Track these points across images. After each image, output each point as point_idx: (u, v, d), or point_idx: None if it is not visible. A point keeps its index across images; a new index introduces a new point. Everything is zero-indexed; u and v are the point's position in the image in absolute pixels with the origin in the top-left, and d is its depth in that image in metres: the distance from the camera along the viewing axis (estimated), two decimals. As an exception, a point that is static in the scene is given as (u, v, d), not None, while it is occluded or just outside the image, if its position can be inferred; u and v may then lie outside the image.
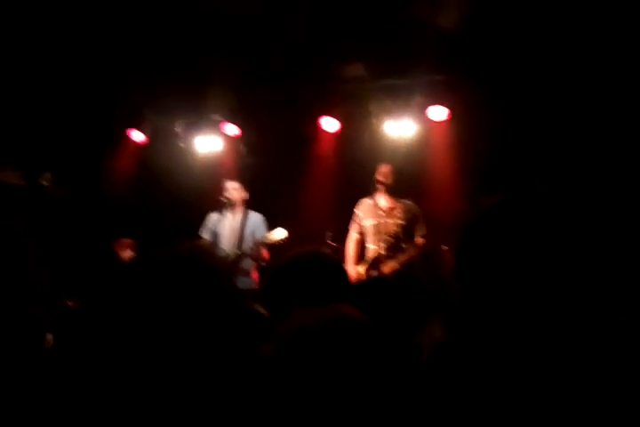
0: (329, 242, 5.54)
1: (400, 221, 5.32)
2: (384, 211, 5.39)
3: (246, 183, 5.85)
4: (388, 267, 5.20)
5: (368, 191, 5.56)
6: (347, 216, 5.89)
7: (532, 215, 1.17)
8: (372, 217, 5.39)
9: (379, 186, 5.43)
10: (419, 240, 5.30)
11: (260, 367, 0.99)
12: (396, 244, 5.26)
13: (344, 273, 2.05)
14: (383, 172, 5.44)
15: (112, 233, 6.61)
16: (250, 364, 1.02)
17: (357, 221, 5.53)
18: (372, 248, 5.36)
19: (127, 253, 6.26)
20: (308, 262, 1.97)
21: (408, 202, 5.41)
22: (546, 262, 1.12)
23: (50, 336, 2.95)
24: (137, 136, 7.02)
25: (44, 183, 6.84)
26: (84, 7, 5.25)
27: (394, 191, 5.41)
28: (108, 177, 7.09)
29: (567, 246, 1.13)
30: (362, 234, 5.52)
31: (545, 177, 4.94)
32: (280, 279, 1.95)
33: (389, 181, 5.40)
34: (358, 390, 0.95)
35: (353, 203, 5.82)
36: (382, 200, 5.46)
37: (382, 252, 5.24)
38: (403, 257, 5.22)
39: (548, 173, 5.12)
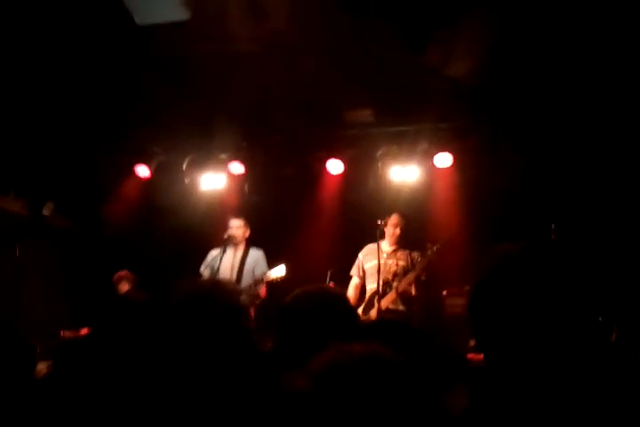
0: (328, 282, 5.53)
1: (401, 263, 5.36)
2: (386, 253, 5.44)
3: (249, 221, 5.89)
4: (385, 301, 5.19)
5: (369, 233, 5.58)
6: (347, 257, 5.89)
7: (545, 267, 1.19)
8: (374, 259, 5.40)
9: (386, 235, 5.48)
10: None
11: (295, 401, 0.95)
12: (393, 283, 5.29)
13: (353, 310, 2.05)
14: (393, 223, 5.50)
15: (111, 266, 6.59)
16: (278, 399, 0.98)
17: (358, 264, 5.57)
18: (370, 287, 5.38)
19: (125, 287, 6.23)
20: (318, 300, 1.95)
21: (413, 250, 5.46)
22: (561, 316, 1.14)
23: (42, 366, 2.90)
24: (142, 171, 7.07)
25: (46, 213, 6.84)
26: (98, 38, 5.36)
27: (402, 241, 5.47)
28: (110, 210, 7.11)
29: (580, 298, 1.15)
30: (362, 278, 5.55)
31: (552, 223, 4.97)
32: (289, 317, 1.93)
33: (398, 232, 5.46)
34: None
35: (354, 244, 5.84)
36: (386, 245, 5.51)
37: (380, 289, 5.23)
38: (401, 285, 5.23)
39: (552, 218, 5.16)
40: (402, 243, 5.51)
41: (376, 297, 5.18)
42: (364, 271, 5.56)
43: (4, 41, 5.12)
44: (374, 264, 5.34)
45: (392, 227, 5.49)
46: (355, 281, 5.61)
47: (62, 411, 2.14)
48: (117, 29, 5.10)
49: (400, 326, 2.35)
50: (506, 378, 1.17)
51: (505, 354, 1.18)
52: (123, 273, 6.35)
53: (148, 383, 0.98)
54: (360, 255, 5.62)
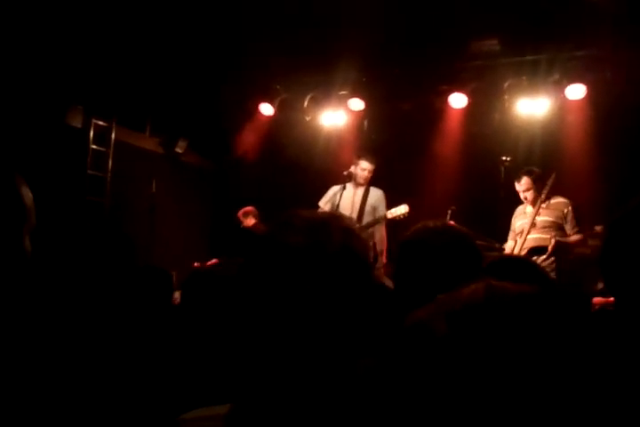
0: (449, 220, 5.47)
1: (547, 219, 5.11)
2: (529, 214, 5.20)
3: (372, 160, 5.80)
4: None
5: (494, 170, 5.41)
6: (470, 195, 5.77)
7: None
8: (521, 220, 5.24)
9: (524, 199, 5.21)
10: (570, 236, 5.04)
11: (432, 346, 0.86)
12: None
13: (476, 246, 1.99)
14: (519, 190, 5.16)
15: (237, 201, 6.90)
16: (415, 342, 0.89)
17: (512, 228, 5.36)
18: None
19: (251, 221, 6.52)
20: (440, 234, 1.88)
21: (558, 200, 5.11)
22: None
23: (178, 294, 3.14)
24: (266, 109, 7.22)
25: (179, 150, 7.23)
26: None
27: (537, 200, 5.12)
28: (237, 147, 7.38)
29: None
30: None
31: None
32: (410, 252, 1.89)
33: (532, 194, 5.11)
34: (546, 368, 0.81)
35: (477, 181, 5.69)
36: (529, 207, 5.25)
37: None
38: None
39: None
40: (539, 200, 5.12)
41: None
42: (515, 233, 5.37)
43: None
44: (519, 225, 5.21)
45: (520, 193, 5.16)
46: (509, 244, 5.36)
47: (190, 334, 2.34)
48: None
49: (525, 264, 2.27)
50: (635, 324, 1.13)
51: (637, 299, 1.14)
52: (248, 208, 6.62)
53: (264, 312, 1.01)
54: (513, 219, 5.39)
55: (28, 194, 1.30)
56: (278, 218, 1.08)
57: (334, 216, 1.07)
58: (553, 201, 5.14)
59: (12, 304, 1.22)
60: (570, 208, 5.07)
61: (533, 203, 5.18)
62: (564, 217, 5.07)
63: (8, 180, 1.28)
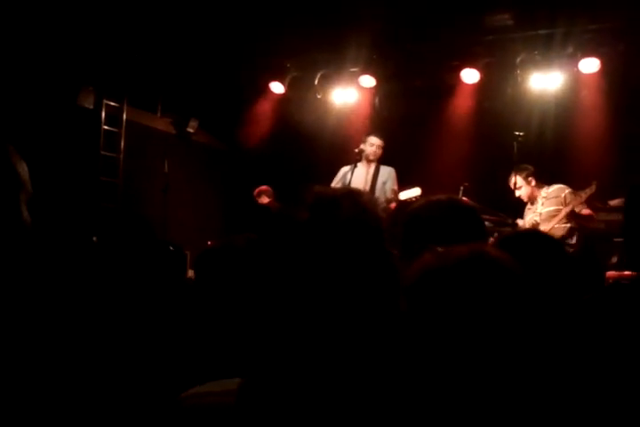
0: (461, 197, 5.46)
1: (551, 208, 5.16)
2: (532, 210, 5.33)
3: (381, 136, 5.81)
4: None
5: (507, 146, 5.39)
6: (483, 171, 5.75)
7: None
8: (529, 214, 5.36)
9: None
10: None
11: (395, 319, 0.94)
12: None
13: (481, 220, 2.00)
14: (513, 188, 5.24)
15: (249, 180, 6.93)
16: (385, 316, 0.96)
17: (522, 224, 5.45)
18: None
19: (265, 200, 6.55)
20: (444, 208, 1.89)
21: (555, 187, 5.17)
22: None
23: (192, 273, 3.18)
24: (276, 87, 7.20)
25: (191, 130, 7.24)
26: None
27: (533, 196, 5.28)
28: (248, 126, 7.37)
29: None
30: None
31: None
32: (415, 225, 1.89)
33: (525, 191, 5.26)
34: (500, 341, 0.88)
35: (490, 157, 5.66)
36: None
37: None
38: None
39: None
40: (534, 197, 5.27)
41: None
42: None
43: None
44: (529, 219, 5.32)
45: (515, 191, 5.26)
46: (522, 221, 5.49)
47: (203, 311, 2.38)
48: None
49: (537, 237, 2.25)
50: None
51: None
52: (263, 188, 6.65)
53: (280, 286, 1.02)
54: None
55: (22, 165, 1.34)
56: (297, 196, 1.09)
57: (348, 191, 1.08)
58: (551, 190, 5.20)
59: (13, 272, 1.25)
60: (567, 191, 5.10)
61: (530, 200, 5.31)
62: (564, 201, 5.09)
63: (1, 151, 1.31)
